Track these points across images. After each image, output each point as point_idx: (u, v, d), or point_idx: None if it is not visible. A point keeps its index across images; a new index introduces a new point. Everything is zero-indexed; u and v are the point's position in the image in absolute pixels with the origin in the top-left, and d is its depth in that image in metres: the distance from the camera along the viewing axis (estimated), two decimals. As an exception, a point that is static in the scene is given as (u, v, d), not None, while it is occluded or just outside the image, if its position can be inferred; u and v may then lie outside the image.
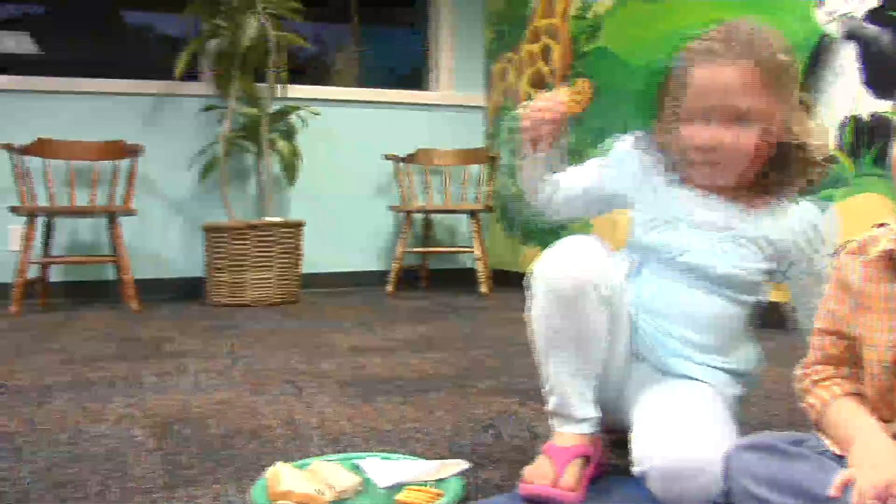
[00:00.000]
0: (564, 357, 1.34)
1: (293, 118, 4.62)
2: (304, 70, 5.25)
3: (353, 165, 5.03)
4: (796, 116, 1.36)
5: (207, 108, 4.61)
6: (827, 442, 1.12)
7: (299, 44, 4.64)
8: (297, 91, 4.76)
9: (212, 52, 4.47)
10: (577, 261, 1.32)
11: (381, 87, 5.24)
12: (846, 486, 1.00)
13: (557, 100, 1.44)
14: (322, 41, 5.73)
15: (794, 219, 1.40)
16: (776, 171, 1.39)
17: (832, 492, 1.00)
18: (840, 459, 1.08)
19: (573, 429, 1.36)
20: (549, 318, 1.33)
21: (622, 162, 1.50)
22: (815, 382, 1.19)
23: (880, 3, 2.81)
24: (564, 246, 1.34)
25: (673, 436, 1.20)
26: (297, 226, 4.37)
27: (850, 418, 1.11)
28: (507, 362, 2.49)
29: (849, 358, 1.16)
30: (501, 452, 1.57)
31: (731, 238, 1.39)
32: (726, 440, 1.20)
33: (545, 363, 1.36)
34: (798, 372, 1.23)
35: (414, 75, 5.52)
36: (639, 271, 1.44)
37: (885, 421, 1.10)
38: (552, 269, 1.33)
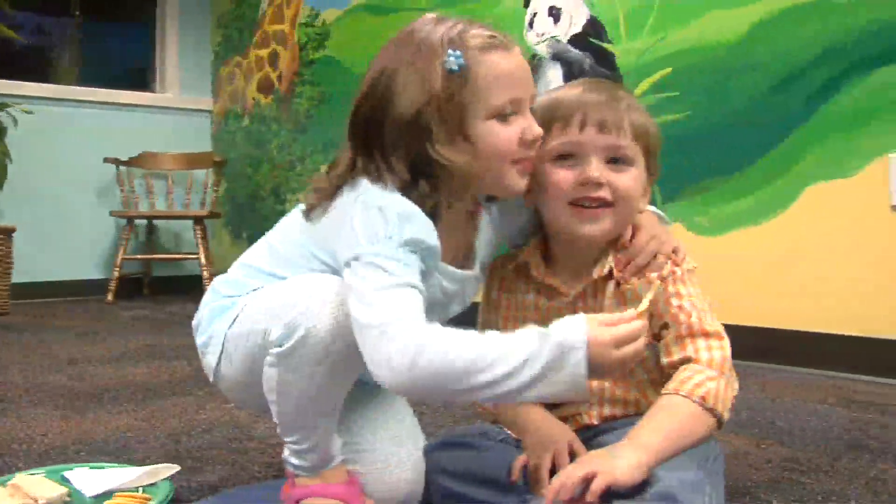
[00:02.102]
0: (334, 407, 1.15)
1: (2, 116, 4.33)
2: (18, 64, 4.93)
3: (72, 168, 4.78)
4: None
5: None
6: (506, 429, 1.24)
7: (10, 36, 4.34)
8: (8, 87, 4.46)
9: None
10: (329, 296, 1.09)
11: (104, 86, 5.01)
12: (523, 469, 1.15)
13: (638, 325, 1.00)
14: (39, 33, 5.39)
15: None
16: None
17: (513, 476, 1.13)
18: (519, 443, 1.19)
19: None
20: (323, 372, 1.09)
21: None
22: None
23: (582, 30, 3.08)
24: (303, 289, 1.13)
25: (395, 468, 1.20)
26: (7, 232, 4.09)
27: (520, 410, 1.23)
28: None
29: None
30: (218, 455, 1.59)
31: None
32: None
33: (312, 424, 1.15)
34: None
35: (139, 75, 5.33)
36: None
37: (553, 406, 1.22)
38: (318, 319, 1.08)
